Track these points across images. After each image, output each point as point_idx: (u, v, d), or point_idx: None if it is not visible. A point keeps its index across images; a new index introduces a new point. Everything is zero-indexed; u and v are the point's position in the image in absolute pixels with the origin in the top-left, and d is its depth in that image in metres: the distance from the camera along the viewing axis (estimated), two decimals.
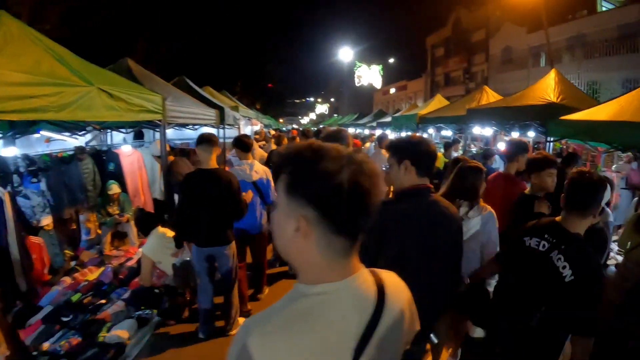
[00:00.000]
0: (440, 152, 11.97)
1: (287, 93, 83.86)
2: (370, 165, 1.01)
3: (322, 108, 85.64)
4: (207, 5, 29.02)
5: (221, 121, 7.81)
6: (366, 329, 1.03)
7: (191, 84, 9.07)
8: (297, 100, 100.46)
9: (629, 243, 4.22)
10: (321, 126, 35.24)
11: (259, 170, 4.97)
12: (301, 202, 0.97)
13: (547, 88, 6.71)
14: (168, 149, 6.21)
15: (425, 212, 2.30)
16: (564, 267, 2.21)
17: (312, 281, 1.03)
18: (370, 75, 58.71)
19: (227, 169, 5.29)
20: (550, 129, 5.62)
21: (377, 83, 59.13)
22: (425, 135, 16.52)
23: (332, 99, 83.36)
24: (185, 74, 9.66)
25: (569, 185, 2.34)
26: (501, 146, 12.66)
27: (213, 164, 4.17)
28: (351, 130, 25.93)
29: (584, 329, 2.18)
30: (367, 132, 22.16)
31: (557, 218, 2.41)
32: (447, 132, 15.46)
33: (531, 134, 7.99)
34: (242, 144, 5.00)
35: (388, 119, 18.99)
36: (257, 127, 16.37)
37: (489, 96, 10.18)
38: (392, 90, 56.73)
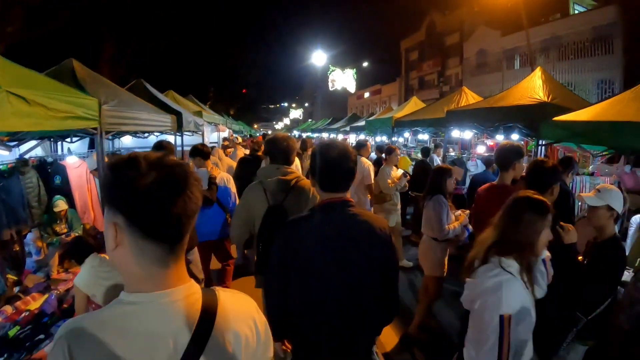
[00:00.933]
0: (403, 155, 11.58)
1: (261, 99, 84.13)
2: (181, 170, 0.99)
3: (296, 113, 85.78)
4: (178, 10, 28.46)
5: (179, 127, 7.07)
6: (184, 355, 0.96)
7: (149, 87, 8.36)
8: (272, 106, 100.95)
9: (638, 260, 3.92)
10: (295, 132, 35.05)
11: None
12: (112, 209, 0.97)
13: (535, 87, 6.15)
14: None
15: (335, 227, 2.09)
16: None
17: (129, 290, 1.00)
18: (344, 80, 58.72)
19: None
20: (543, 131, 5.02)
21: (351, 87, 59.13)
22: (400, 140, 16.14)
23: (306, 104, 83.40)
24: (156, 79, 9.04)
25: None
26: (480, 150, 12.32)
27: None
28: (325, 135, 25.51)
29: None
30: (340, 136, 21.62)
31: None
32: (424, 136, 15.07)
33: (515, 136, 7.46)
34: (203, 153, 5.02)
35: (362, 122, 18.50)
36: (225, 133, 15.54)
37: (468, 97, 9.67)
38: (367, 95, 56.83)
